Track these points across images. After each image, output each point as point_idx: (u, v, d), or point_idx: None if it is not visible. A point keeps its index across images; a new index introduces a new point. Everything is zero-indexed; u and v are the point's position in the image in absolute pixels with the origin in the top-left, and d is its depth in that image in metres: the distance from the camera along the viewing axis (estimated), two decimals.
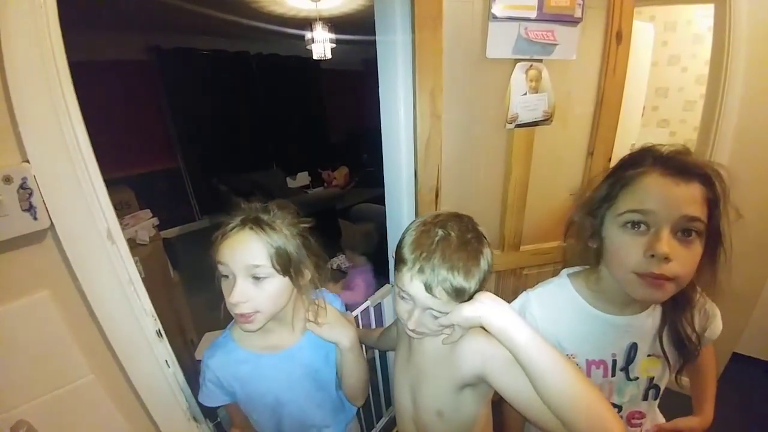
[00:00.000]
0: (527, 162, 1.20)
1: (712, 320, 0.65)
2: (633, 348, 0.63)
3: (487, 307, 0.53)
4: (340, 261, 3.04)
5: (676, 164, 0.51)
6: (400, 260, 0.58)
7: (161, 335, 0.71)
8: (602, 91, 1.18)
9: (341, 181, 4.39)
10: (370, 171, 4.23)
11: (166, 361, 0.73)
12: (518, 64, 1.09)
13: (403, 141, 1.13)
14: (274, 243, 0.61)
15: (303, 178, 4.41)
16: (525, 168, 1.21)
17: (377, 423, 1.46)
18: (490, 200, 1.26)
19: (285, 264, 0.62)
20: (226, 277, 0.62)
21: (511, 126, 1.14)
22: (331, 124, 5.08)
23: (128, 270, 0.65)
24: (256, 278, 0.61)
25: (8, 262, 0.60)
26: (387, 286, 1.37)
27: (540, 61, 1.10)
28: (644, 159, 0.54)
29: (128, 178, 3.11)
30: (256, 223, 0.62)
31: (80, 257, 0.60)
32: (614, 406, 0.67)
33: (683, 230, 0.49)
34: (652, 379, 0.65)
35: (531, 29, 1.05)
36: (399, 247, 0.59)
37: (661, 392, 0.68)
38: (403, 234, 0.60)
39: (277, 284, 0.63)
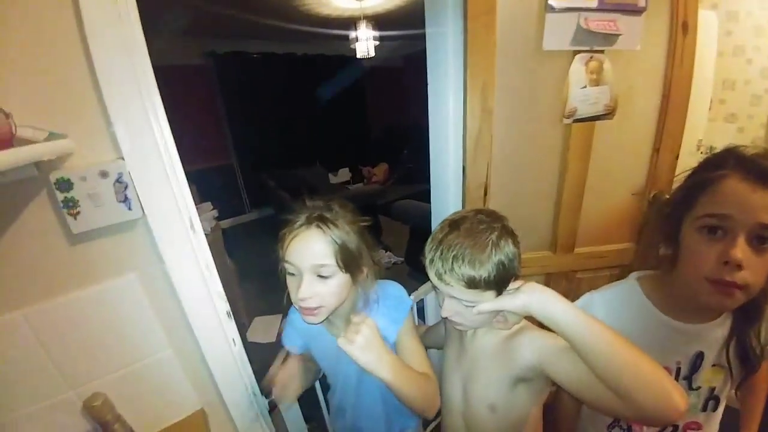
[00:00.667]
0: (585, 159, 1.14)
1: None
2: (699, 357, 0.62)
3: (528, 296, 0.54)
4: (379, 257, 3.08)
5: (757, 169, 0.49)
6: (423, 256, 0.63)
7: (230, 316, 0.78)
8: (669, 83, 1.09)
9: (381, 177, 4.43)
10: (409, 167, 4.23)
11: (233, 339, 0.80)
12: (578, 56, 1.04)
13: (452, 136, 1.12)
14: (338, 240, 0.64)
15: (344, 174, 4.51)
16: (583, 165, 1.15)
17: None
18: (543, 199, 1.22)
19: (347, 261, 0.65)
20: (292, 274, 0.65)
21: (569, 121, 1.09)
22: (371, 120, 5.14)
23: (206, 256, 0.71)
24: (321, 276, 0.64)
25: (103, 246, 0.69)
26: (429, 283, 1.37)
27: (601, 52, 1.04)
28: (726, 161, 0.52)
29: (189, 174, 3.39)
30: (322, 220, 0.65)
31: (167, 244, 0.67)
32: None
33: (758, 237, 0.48)
34: (713, 389, 0.64)
35: (591, 19, 1.00)
36: (426, 246, 0.64)
37: (721, 405, 0.66)
38: (432, 234, 0.64)
39: (340, 280, 0.66)
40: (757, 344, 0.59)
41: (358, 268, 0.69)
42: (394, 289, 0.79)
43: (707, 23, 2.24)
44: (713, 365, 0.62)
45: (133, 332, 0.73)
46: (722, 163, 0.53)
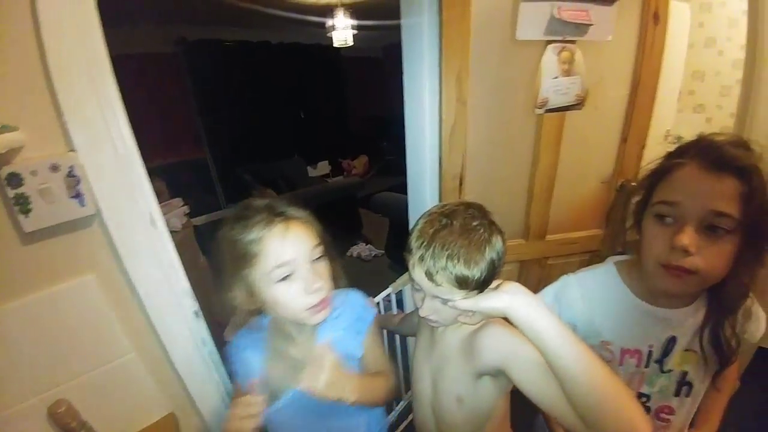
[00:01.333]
0: (556, 148, 1.16)
1: (753, 322, 0.62)
2: (671, 341, 0.62)
3: (512, 297, 0.51)
4: (360, 249, 3.07)
5: (712, 156, 0.49)
6: (407, 250, 0.58)
7: (198, 315, 0.75)
8: (638, 74, 1.12)
9: (361, 169, 4.40)
10: (389, 159, 4.21)
11: (203, 339, 0.77)
12: (550, 46, 1.04)
13: (428, 127, 1.11)
14: (314, 224, 0.63)
15: (323, 167, 4.45)
16: (553, 155, 1.17)
17: (396, 406, 1.49)
18: (516, 188, 1.24)
19: (325, 243, 0.64)
20: (287, 277, 0.59)
21: (541, 111, 1.10)
22: (351, 112, 5.06)
23: (169, 253, 0.68)
24: (317, 261, 0.62)
25: (57, 246, 0.64)
26: (407, 274, 1.38)
27: (573, 42, 1.05)
28: (689, 150, 0.53)
29: (158, 168, 3.24)
30: (285, 211, 0.62)
31: (125, 241, 0.64)
32: (642, 395, 0.67)
33: (711, 226, 0.48)
34: (685, 373, 0.64)
35: (564, 9, 1.00)
36: (408, 237, 0.60)
37: (695, 392, 0.66)
38: (413, 225, 0.61)
39: (328, 264, 0.64)
40: (732, 335, 0.59)
41: (332, 258, 0.67)
42: (356, 297, 0.76)
43: (680, 15, 2.30)
44: (685, 350, 0.62)
45: (93, 336, 0.69)
46: (685, 151, 0.53)
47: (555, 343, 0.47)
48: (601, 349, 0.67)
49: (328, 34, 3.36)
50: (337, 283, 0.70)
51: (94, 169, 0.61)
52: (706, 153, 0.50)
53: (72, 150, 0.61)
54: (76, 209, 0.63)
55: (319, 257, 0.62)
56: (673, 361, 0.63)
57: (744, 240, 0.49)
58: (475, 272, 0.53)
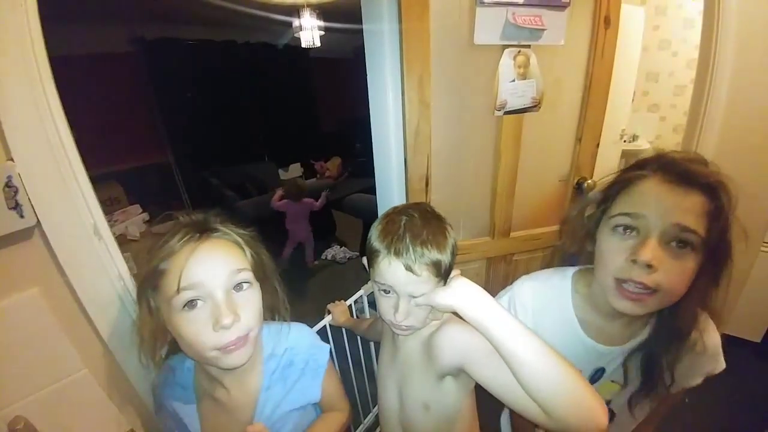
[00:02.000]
0: (516, 149, 1.21)
1: (703, 356, 0.59)
2: (600, 372, 0.62)
3: (461, 294, 0.51)
4: (335, 252, 3.05)
5: (679, 170, 0.47)
6: (373, 254, 0.58)
7: None
8: (590, 76, 1.18)
9: (334, 171, 4.36)
10: (362, 161, 4.21)
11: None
12: (506, 50, 1.08)
13: (393, 130, 1.13)
14: (243, 242, 0.56)
15: (295, 170, 4.38)
16: (514, 155, 1.21)
17: (364, 420, 1.46)
18: (480, 187, 1.27)
19: (260, 268, 0.57)
20: (193, 303, 0.50)
21: (500, 113, 1.14)
22: (323, 113, 5.02)
23: (117, 265, 0.65)
24: (239, 288, 0.53)
25: None
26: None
27: (528, 46, 1.10)
28: (650, 163, 0.51)
29: (117, 174, 3.08)
30: (212, 227, 0.56)
31: (68, 254, 0.60)
32: None
33: (676, 241, 0.46)
34: (608, 402, 0.64)
35: (519, 14, 1.04)
36: (369, 244, 0.60)
37: (618, 421, 0.66)
38: (369, 233, 0.61)
39: (257, 293, 0.56)
40: (668, 369, 0.56)
41: (269, 283, 0.61)
42: (304, 336, 0.70)
43: (634, 19, 2.43)
44: (612, 381, 0.62)
45: (43, 353, 0.65)
46: (646, 164, 0.52)
47: (505, 337, 0.47)
48: None
49: (296, 35, 3.32)
50: (276, 316, 0.65)
51: (33, 179, 0.58)
52: (671, 167, 0.49)
53: (10, 159, 0.57)
54: (16, 221, 0.59)
55: (242, 285, 0.53)
56: (598, 390, 0.62)
57: (703, 260, 0.47)
58: (446, 256, 0.55)
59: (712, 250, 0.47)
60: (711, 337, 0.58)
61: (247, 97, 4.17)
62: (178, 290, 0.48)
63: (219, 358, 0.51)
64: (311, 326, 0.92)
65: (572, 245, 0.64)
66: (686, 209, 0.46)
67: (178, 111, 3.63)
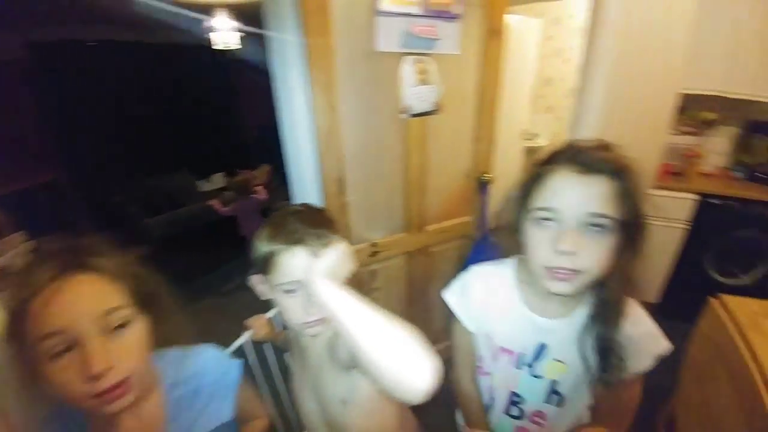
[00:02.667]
0: (423, 149, 1.30)
1: (647, 341, 0.60)
2: (542, 348, 0.64)
3: (312, 271, 0.47)
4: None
5: (583, 160, 0.50)
6: (268, 258, 0.58)
7: None
8: (482, 83, 1.32)
9: (263, 179, 4.18)
10: None
11: None
12: (407, 58, 1.16)
13: (304, 134, 1.14)
14: (121, 272, 0.50)
15: (218, 180, 4.09)
16: (421, 154, 1.31)
17: None
18: (394, 186, 1.34)
19: (146, 299, 0.52)
20: (59, 352, 0.43)
21: (405, 116, 1.22)
22: (247, 118, 4.77)
23: None
24: (114, 330, 0.47)
25: None
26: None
27: (427, 55, 1.19)
28: (558, 156, 0.54)
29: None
30: (80, 259, 0.48)
31: None
32: (516, 396, 0.69)
33: (593, 224, 0.50)
34: (554, 382, 0.65)
35: (416, 24, 1.13)
36: (259, 253, 0.60)
37: (568, 404, 0.66)
38: (256, 244, 0.61)
39: (139, 332, 0.50)
40: (617, 344, 0.57)
41: (162, 310, 0.55)
42: (209, 357, 0.64)
43: (531, 29, 2.75)
44: (555, 359, 0.64)
45: None
46: (554, 158, 0.55)
47: (331, 308, 0.45)
48: (487, 340, 0.70)
49: (208, 35, 3.14)
50: (178, 343, 0.61)
51: None
52: (575, 158, 0.51)
53: None
54: None
55: (120, 326, 0.48)
56: (544, 368, 0.65)
57: (621, 237, 0.51)
58: (338, 235, 0.58)
59: (628, 226, 0.51)
60: (642, 318, 0.61)
61: (157, 104, 3.81)
62: (42, 338, 0.43)
63: (98, 407, 0.46)
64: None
65: (506, 240, 0.65)
66: (595, 196, 0.49)
67: (75, 122, 3.16)
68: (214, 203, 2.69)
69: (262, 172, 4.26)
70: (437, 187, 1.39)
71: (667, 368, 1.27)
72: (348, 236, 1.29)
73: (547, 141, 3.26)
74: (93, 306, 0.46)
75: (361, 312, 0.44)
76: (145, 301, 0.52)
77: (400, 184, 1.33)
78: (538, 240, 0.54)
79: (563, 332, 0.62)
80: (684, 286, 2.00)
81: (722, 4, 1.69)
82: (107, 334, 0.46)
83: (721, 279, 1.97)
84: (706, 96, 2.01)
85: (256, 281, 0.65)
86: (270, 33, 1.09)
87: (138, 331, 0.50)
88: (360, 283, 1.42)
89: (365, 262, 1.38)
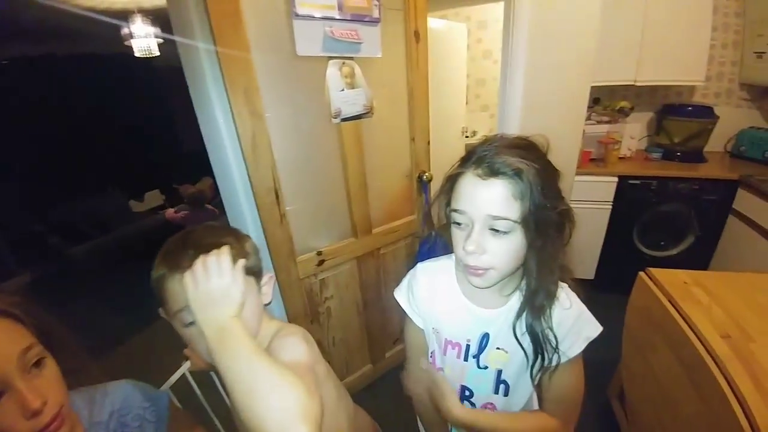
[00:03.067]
0: (360, 152, 1.29)
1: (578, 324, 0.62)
2: (485, 338, 0.66)
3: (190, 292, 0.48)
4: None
5: (486, 165, 0.53)
6: (159, 284, 0.53)
7: None
8: (410, 84, 1.34)
9: (206, 194, 3.94)
10: None
11: None
12: (331, 62, 1.14)
13: (228, 143, 1.07)
14: (21, 312, 0.47)
15: (154, 198, 3.79)
16: (359, 158, 1.29)
17: None
18: (335, 192, 1.32)
19: (49, 335, 0.51)
20: None
21: (337, 120, 1.20)
22: (183, 130, 4.47)
23: None
24: (36, 366, 0.47)
25: None
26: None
27: (351, 58, 1.18)
28: (472, 155, 0.56)
29: None
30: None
31: None
32: (466, 389, 0.72)
33: (493, 228, 0.53)
34: (500, 372, 0.67)
35: (336, 28, 1.11)
36: (152, 279, 0.54)
37: (514, 392, 0.68)
38: (155, 268, 0.55)
39: (55, 365, 0.50)
40: (548, 328, 0.60)
41: (62, 346, 0.53)
42: (131, 393, 0.62)
43: (458, 33, 2.87)
44: (497, 348, 0.66)
45: None
46: (466, 160, 0.56)
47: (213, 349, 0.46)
48: (435, 334, 0.71)
49: (127, 43, 2.89)
50: (83, 380, 0.58)
51: None
52: (479, 162, 0.53)
53: None
54: None
55: (36, 364, 0.47)
56: (488, 358, 0.67)
57: (529, 232, 0.53)
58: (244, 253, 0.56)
59: (535, 221, 0.53)
60: (574, 304, 0.63)
61: (78, 120, 3.44)
62: None
63: None
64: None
65: (427, 226, 0.69)
66: (494, 199, 0.52)
67: None
68: (168, 211, 2.61)
69: (204, 185, 4.01)
70: (380, 189, 1.39)
71: (612, 341, 1.39)
72: (291, 247, 1.25)
73: (485, 137, 3.41)
74: (10, 349, 0.46)
75: (237, 357, 0.44)
76: (46, 341, 0.51)
77: (341, 190, 1.31)
78: (456, 240, 0.57)
79: (502, 320, 0.64)
80: (616, 260, 2.18)
81: (625, 1, 1.88)
82: (29, 372, 0.47)
83: (648, 251, 2.19)
84: (620, 86, 2.23)
85: (162, 313, 0.59)
86: (177, 37, 1.01)
87: (53, 364, 0.50)
88: (310, 294, 1.38)
89: (313, 271, 1.34)
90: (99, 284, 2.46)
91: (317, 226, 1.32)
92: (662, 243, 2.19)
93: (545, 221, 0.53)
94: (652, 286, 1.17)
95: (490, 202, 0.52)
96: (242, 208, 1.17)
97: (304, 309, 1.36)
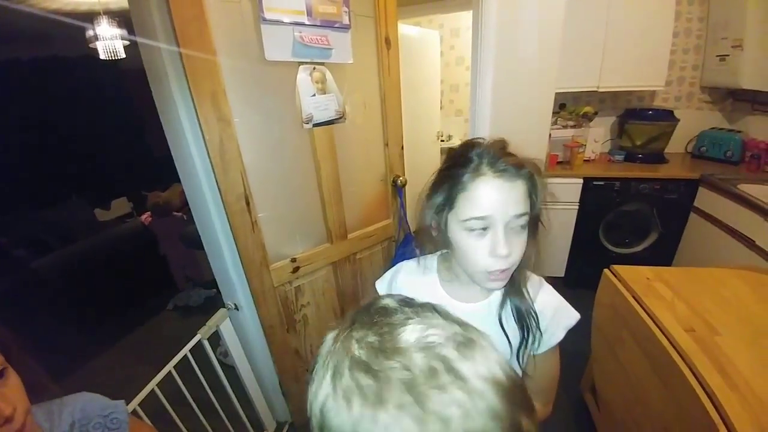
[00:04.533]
0: (333, 157, 1.28)
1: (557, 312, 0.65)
2: None
3: None
4: (185, 297, 2.65)
5: (503, 168, 0.54)
6: None
7: None
8: (383, 90, 1.35)
9: (176, 201, 3.80)
10: None
11: None
12: (301, 67, 1.14)
13: (194, 150, 1.05)
14: None
15: (121, 206, 3.63)
16: (332, 163, 1.29)
17: None
18: (309, 198, 1.30)
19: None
20: None
21: (309, 126, 1.19)
22: (150, 134, 4.30)
23: None
24: None
25: None
26: (222, 310, 1.27)
27: (322, 64, 1.18)
28: (472, 158, 0.56)
29: None
30: None
31: None
32: None
33: (514, 225, 0.55)
34: None
35: (305, 34, 1.11)
36: None
37: None
38: None
39: (16, 375, 0.50)
40: (529, 305, 0.63)
41: (15, 360, 0.52)
42: (89, 403, 0.63)
43: (431, 40, 2.92)
44: None
45: None
46: (469, 160, 0.56)
47: None
48: None
49: (92, 45, 2.77)
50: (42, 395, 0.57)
51: None
52: (495, 164, 0.54)
53: None
54: None
55: (1, 373, 0.48)
56: None
57: (533, 224, 0.58)
58: None
59: (536, 215, 0.58)
60: (551, 294, 0.67)
61: (40, 125, 3.26)
62: None
63: None
64: None
65: (430, 244, 0.68)
66: (517, 199, 0.54)
67: None
68: (144, 216, 2.64)
69: (174, 192, 3.87)
70: (355, 194, 1.38)
71: (585, 336, 1.43)
72: (264, 255, 1.22)
73: (459, 141, 3.49)
74: None
75: None
76: (4, 351, 0.51)
77: (315, 195, 1.30)
78: (475, 248, 0.56)
79: (483, 314, 0.66)
80: (584, 258, 2.27)
81: (587, 10, 1.98)
82: None
83: (614, 249, 2.28)
84: (584, 92, 2.34)
85: None
86: (139, 39, 0.98)
87: (15, 375, 0.51)
88: (285, 302, 1.35)
89: (287, 279, 1.32)
90: (61, 299, 2.34)
91: (291, 232, 1.31)
92: (627, 240, 2.29)
93: (539, 213, 0.58)
94: (616, 282, 1.22)
95: (515, 202, 0.53)
96: (211, 216, 1.14)
97: (279, 317, 1.34)
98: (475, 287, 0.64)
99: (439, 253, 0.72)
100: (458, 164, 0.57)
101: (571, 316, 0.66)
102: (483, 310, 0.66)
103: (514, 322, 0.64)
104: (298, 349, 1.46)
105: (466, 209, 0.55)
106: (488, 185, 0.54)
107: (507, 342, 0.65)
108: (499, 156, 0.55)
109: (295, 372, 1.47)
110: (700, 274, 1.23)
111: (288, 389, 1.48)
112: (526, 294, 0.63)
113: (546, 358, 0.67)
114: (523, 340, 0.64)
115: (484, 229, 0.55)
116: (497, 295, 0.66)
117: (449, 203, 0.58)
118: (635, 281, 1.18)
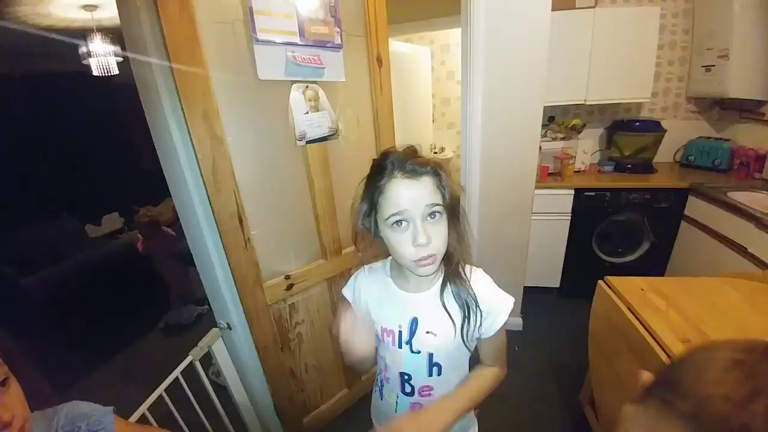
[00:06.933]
0: (327, 173, 1.29)
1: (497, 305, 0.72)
2: (414, 322, 0.73)
3: None
4: (177, 314, 2.60)
5: (410, 168, 0.62)
6: None
7: None
8: (375, 107, 1.37)
9: (168, 216, 3.76)
10: None
11: None
12: (294, 85, 1.15)
13: (186, 168, 1.04)
14: None
15: (113, 222, 3.59)
16: (326, 179, 1.29)
17: None
18: (303, 215, 1.30)
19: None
20: None
21: (302, 143, 1.20)
22: (142, 150, 4.28)
23: None
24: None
25: None
26: (214, 330, 1.25)
27: (315, 82, 1.19)
28: (386, 165, 0.64)
29: None
30: None
31: None
32: (404, 374, 0.76)
33: (430, 214, 0.63)
34: (432, 355, 0.73)
35: (298, 53, 1.12)
36: None
37: (447, 373, 0.75)
38: None
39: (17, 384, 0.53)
40: (466, 289, 0.70)
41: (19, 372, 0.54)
42: (77, 409, 0.67)
43: (422, 56, 2.99)
44: (427, 332, 0.72)
45: None
46: (384, 169, 0.64)
47: None
48: (374, 324, 0.77)
49: (85, 62, 2.78)
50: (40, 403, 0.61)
51: None
52: (401, 168, 0.62)
53: None
54: None
55: (3, 382, 0.51)
56: (419, 342, 0.73)
57: (449, 217, 0.65)
58: None
59: (450, 208, 0.66)
60: (488, 282, 0.74)
61: (32, 141, 3.24)
62: None
63: None
64: None
65: (368, 250, 0.76)
66: (427, 192, 0.62)
67: None
68: (138, 243, 2.57)
69: (166, 207, 3.84)
70: (349, 210, 1.37)
71: (582, 348, 1.43)
72: (257, 273, 1.21)
73: (452, 153, 3.52)
74: None
75: None
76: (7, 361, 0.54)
77: (309, 212, 1.29)
78: (399, 241, 0.63)
79: (428, 302, 0.72)
80: (578, 268, 2.28)
81: (573, 25, 2.04)
82: None
83: (607, 259, 2.30)
84: (572, 105, 2.38)
85: None
86: (131, 56, 0.98)
87: (16, 384, 0.54)
88: (279, 320, 1.33)
89: (281, 296, 1.31)
90: (50, 317, 2.28)
91: (285, 249, 1.30)
92: (620, 250, 2.31)
93: (456, 206, 0.67)
94: (611, 293, 1.22)
95: (424, 195, 0.61)
96: (203, 234, 1.13)
97: (273, 336, 1.32)
98: (421, 279, 0.71)
99: (390, 258, 0.78)
100: (376, 173, 0.65)
101: (507, 302, 0.72)
102: (429, 297, 0.73)
103: (455, 304, 0.71)
104: (292, 369, 1.43)
105: (385, 209, 0.63)
106: (400, 185, 0.62)
107: (452, 333, 0.72)
108: (407, 159, 0.63)
109: (289, 392, 1.44)
110: (693, 283, 1.24)
111: (282, 410, 1.45)
112: (462, 278, 0.71)
113: (495, 337, 0.74)
114: (465, 319, 0.71)
115: (403, 222, 0.62)
116: (439, 283, 0.72)
117: (374, 207, 0.66)
118: (629, 292, 1.19)
